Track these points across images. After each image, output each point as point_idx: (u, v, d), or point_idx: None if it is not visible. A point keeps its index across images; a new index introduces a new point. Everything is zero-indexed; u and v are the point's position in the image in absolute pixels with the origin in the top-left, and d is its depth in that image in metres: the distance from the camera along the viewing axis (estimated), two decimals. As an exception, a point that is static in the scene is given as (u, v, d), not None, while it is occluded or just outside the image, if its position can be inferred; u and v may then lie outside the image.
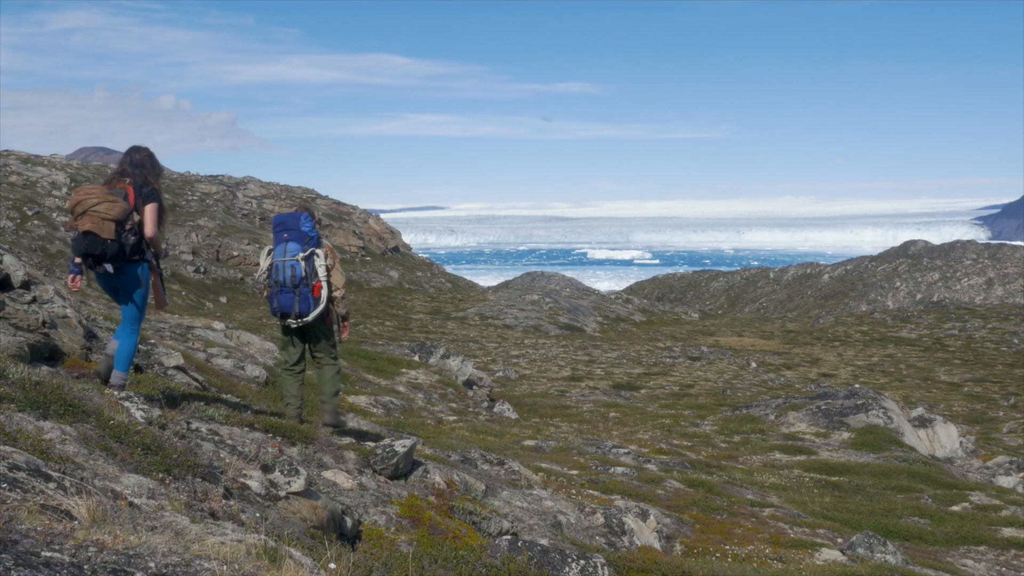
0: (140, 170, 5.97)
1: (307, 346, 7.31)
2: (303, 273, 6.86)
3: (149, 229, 5.87)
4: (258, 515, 4.39)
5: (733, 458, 16.54)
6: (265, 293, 7.12)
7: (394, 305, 49.97)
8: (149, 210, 5.88)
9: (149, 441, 4.37)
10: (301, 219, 6.99)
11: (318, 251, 6.94)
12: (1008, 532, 11.51)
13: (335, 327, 7.29)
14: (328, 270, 6.97)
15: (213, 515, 3.92)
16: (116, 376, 5.98)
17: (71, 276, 5.97)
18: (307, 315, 6.90)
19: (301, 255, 6.88)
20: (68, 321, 8.24)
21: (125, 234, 5.74)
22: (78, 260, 5.80)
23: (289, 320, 6.96)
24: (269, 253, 7.03)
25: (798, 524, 10.73)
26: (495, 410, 20.13)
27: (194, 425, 5.80)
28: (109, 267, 5.74)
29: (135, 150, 6.06)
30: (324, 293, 6.93)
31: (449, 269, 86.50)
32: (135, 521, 3.01)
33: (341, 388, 7.73)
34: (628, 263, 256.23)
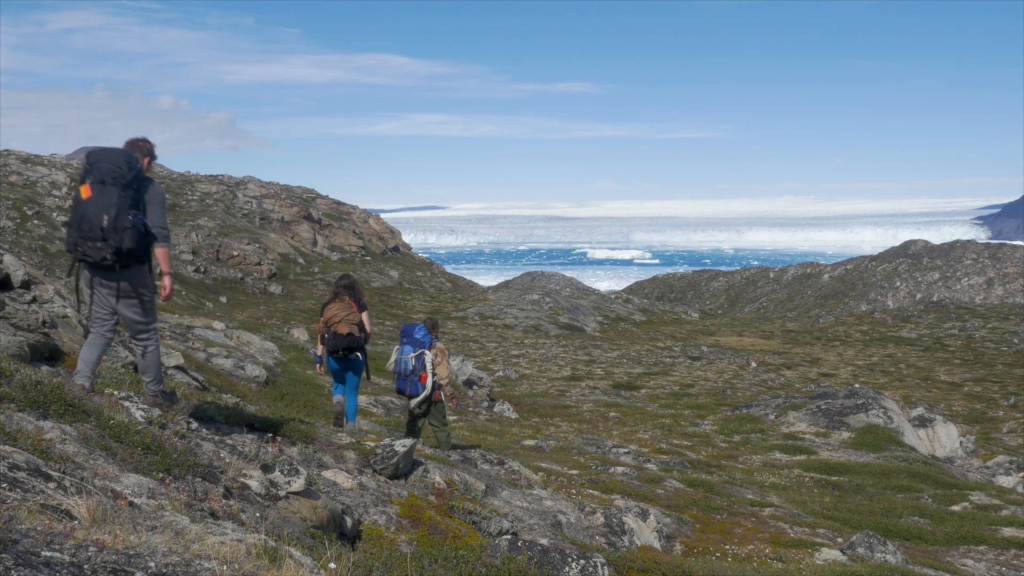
0: (353, 291, 8.89)
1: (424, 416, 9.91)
2: (412, 366, 9.56)
3: (368, 327, 8.87)
4: (258, 515, 4.39)
5: (733, 458, 16.54)
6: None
7: (394, 305, 49.97)
8: (365, 316, 8.84)
9: (149, 441, 4.37)
10: (417, 330, 9.76)
11: (426, 351, 9.60)
12: (1008, 532, 11.51)
13: (445, 402, 9.94)
14: (435, 365, 9.62)
15: (213, 515, 3.92)
16: (349, 425, 9.09)
17: (317, 365, 9.13)
18: (416, 396, 9.55)
19: (413, 355, 9.62)
20: (68, 321, 8.24)
21: (361, 334, 8.68)
22: (319, 352, 9.00)
23: (404, 398, 9.77)
24: (396, 350, 9.93)
25: (798, 524, 10.72)
26: (495, 410, 20.14)
27: (194, 425, 5.80)
28: (359, 354, 8.86)
29: (345, 276, 8.98)
30: (429, 381, 9.56)
31: (449, 269, 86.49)
32: (135, 521, 3.01)
33: (452, 443, 10.27)
34: (628, 263, 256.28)
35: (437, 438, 9.91)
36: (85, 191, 5.31)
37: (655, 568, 6.03)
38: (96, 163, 5.35)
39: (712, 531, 9.72)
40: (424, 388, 9.52)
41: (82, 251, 5.27)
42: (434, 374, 9.61)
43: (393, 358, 9.89)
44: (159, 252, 5.51)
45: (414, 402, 9.56)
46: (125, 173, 5.33)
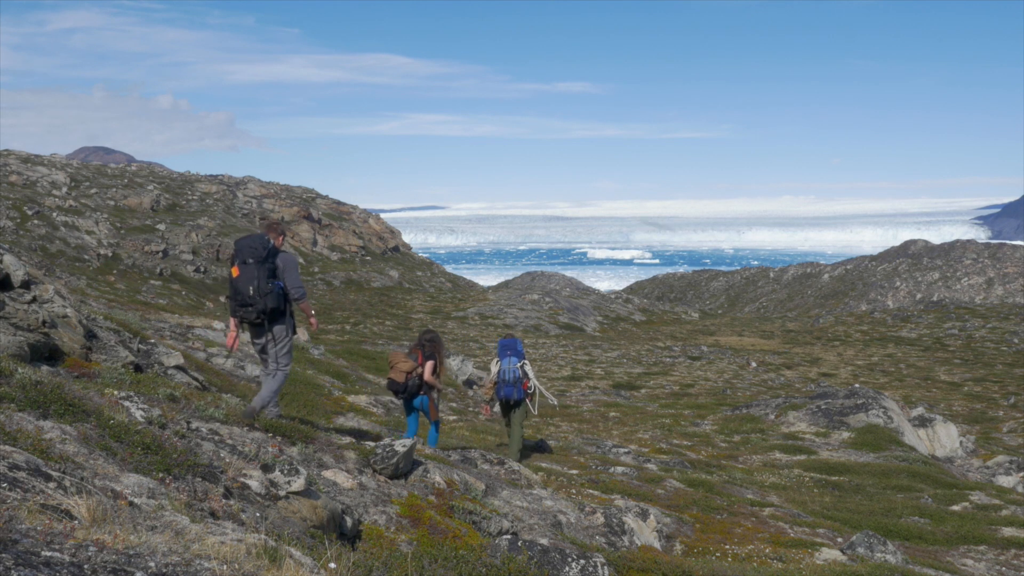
0: (429, 344, 10.07)
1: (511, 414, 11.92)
2: (519, 375, 11.70)
3: (426, 376, 9.98)
4: (258, 515, 4.39)
5: (733, 458, 16.54)
6: (491, 386, 11.93)
7: (394, 305, 49.97)
8: (428, 366, 9.98)
9: (149, 441, 4.37)
10: (518, 344, 11.90)
11: (526, 362, 11.86)
12: (1008, 532, 11.50)
13: (528, 403, 12.06)
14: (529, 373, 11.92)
15: (213, 515, 3.91)
16: (429, 447, 9.98)
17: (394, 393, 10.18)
18: (521, 400, 11.77)
19: (519, 365, 11.75)
20: (68, 321, 8.24)
21: (412, 379, 9.86)
22: (391, 391, 10.18)
23: (511, 403, 11.77)
24: (497, 362, 11.86)
25: (798, 524, 10.72)
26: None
27: (194, 424, 5.80)
28: (403, 396, 9.97)
29: (426, 332, 10.27)
30: (530, 386, 11.88)
31: (449, 269, 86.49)
32: (135, 521, 3.00)
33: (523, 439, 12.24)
34: (628, 263, 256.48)
35: (512, 433, 11.73)
36: (235, 271, 7.13)
37: (655, 568, 6.03)
38: (241, 248, 7.16)
39: (712, 531, 9.72)
40: (525, 393, 11.71)
41: (240, 315, 7.17)
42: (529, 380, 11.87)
43: (495, 369, 11.74)
44: (302, 306, 7.40)
45: (517, 405, 11.73)
46: (260, 252, 7.08)
